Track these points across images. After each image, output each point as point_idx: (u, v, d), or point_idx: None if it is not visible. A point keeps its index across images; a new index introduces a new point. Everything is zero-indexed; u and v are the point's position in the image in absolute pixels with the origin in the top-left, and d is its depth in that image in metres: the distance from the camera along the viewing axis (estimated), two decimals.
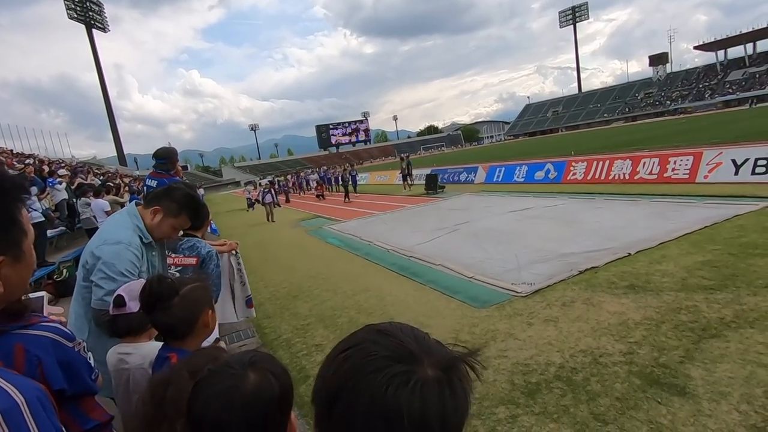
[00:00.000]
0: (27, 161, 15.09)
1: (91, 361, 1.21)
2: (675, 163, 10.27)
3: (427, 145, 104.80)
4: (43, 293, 1.22)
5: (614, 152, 15.07)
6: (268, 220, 14.96)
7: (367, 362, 0.50)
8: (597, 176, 12.10)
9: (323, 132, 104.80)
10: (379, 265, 6.72)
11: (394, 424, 0.47)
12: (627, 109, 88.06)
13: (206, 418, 0.70)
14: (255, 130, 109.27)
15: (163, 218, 1.85)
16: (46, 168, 12.58)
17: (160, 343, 1.34)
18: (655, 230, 6.11)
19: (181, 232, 2.28)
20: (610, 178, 11.67)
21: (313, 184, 24.85)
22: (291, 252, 9.05)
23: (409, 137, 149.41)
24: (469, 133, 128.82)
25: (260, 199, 15.76)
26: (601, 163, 12.23)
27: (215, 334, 2.39)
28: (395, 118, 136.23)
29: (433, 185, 16.16)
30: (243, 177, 67.43)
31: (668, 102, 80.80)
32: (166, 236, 1.91)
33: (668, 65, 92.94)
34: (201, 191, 20.84)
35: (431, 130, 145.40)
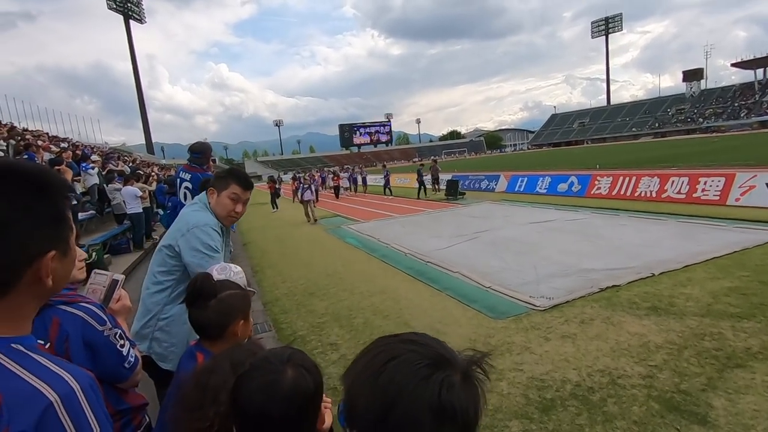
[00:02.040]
0: (62, 144, 15.65)
1: (125, 350, 1.27)
2: (705, 183, 9.99)
3: (449, 150, 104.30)
4: (121, 276, 1.29)
5: (641, 168, 14.75)
6: (308, 220, 13.30)
7: (416, 371, 0.56)
8: (622, 192, 11.85)
9: (346, 131, 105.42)
10: (396, 268, 6.75)
11: (450, 421, 0.54)
12: (657, 125, 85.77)
13: (251, 408, 0.76)
14: (279, 126, 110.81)
15: (219, 195, 2.03)
16: (79, 153, 13.05)
17: None
18: (680, 252, 5.96)
19: None
20: (636, 194, 11.41)
21: (331, 183, 24.57)
22: (309, 248, 9.15)
23: (431, 141, 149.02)
24: (492, 140, 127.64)
25: (298, 195, 14.31)
26: (627, 178, 11.97)
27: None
28: (418, 121, 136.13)
29: (453, 191, 16.09)
30: (265, 171, 68.39)
31: (701, 119, 78.37)
32: (229, 211, 2.04)
33: (703, 81, 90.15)
34: None
35: (454, 135, 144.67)
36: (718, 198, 9.54)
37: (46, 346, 1.09)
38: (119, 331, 1.26)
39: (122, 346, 1.26)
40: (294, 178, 27.45)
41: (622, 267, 5.55)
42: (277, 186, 20.53)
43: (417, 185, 17.93)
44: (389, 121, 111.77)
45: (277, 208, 18.34)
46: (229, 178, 2.03)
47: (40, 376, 0.59)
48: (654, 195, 10.96)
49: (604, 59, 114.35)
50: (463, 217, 11.26)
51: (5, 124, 17.73)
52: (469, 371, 0.58)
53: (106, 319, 1.22)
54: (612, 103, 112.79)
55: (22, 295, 0.64)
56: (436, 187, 18.56)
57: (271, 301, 5.72)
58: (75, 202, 7.13)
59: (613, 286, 4.86)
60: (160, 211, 13.36)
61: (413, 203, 16.10)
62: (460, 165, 42.30)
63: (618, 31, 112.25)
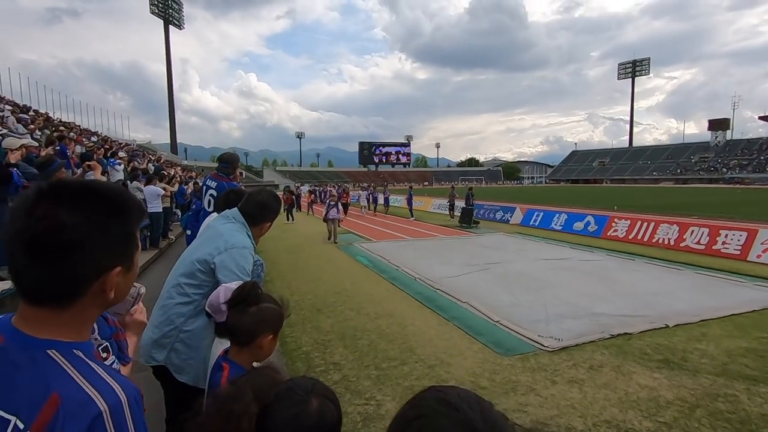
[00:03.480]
0: (93, 138, 16.17)
1: (107, 362, 1.25)
2: (726, 236, 9.79)
3: (466, 176, 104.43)
4: (141, 288, 1.34)
5: (661, 214, 14.54)
6: (329, 239, 12.47)
7: None
8: (639, 237, 11.68)
9: (366, 149, 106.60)
10: (404, 292, 6.73)
11: None
12: (679, 171, 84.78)
13: None
14: (300, 138, 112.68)
15: (262, 227, 2.23)
16: (108, 147, 13.48)
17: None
18: (697, 305, 5.83)
19: None
20: (654, 240, 11.24)
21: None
22: (319, 264, 9.19)
23: (448, 166, 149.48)
24: (510, 170, 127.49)
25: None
26: (645, 223, 11.82)
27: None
28: (438, 146, 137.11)
29: (467, 219, 16.06)
30: (282, 181, 69.32)
31: (725, 169, 77.24)
32: (261, 235, 2.27)
33: (729, 132, 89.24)
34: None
35: (472, 162, 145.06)
36: (738, 252, 9.34)
37: None
38: (105, 343, 1.24)
39: (104, 359, 1.22)
40: (311, 192, 27.68)
41: (636, 314, 5.45)
42: (293, 197, 20.45)
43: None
44: (409, 143, 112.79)
45: (293, 219, 18.37)
46: (271, 214, 2.25)
47: (95, 384, 0.63)
48: (672, 243, 10.77)
49: (628, 101, 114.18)
50: (476, 247, 11.21)
51: (42, 114, 18.44)
52: None
53: (95, 327, 1.20)
54: (634, 144, 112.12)
55: (87, 305, 0.69)
56: (452, 213, 18.52)
57: None
58: None
59: (625, 333, 4.77)
60: (179, 212, 13.63)
61: (426, 227, 16.08)
62: (476, 193, 42.25)
63: (645, 74, 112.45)
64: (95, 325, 1.19)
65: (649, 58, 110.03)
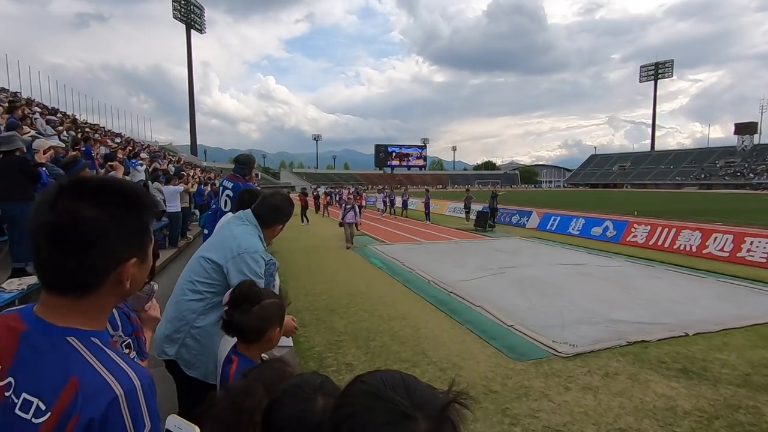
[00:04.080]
0: (117, 140, 16.64)
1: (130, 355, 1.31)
2: (752, 243, 9.48)
3: (483, 180, 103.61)
4: (154, 285, 1.39)
5: (683, 220, 14.16)
6: (347, 245, 11.65)
7: None
8: (660, 243, 11.41)
9: (382, 151, 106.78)
10: (418, 295, 6.72)
11: None
12: (703, 176, 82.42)
13: None
14: (317, 140, 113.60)
15: (274, 228, 2.27)
16: (130, 149, 13.85)
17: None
18: (719, 313, 5.67)
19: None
20: (675, 247, 10.96)
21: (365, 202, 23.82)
22: (334, 265, 9.25)
23: (465, 169, 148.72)
24: (527, 174, 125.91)
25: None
26: (666, 229, 11.54)
27: (288, 341, 2.56)
28: (454, 149, 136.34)
29: (483, 223, 15.94)
30: (299, 183, 69.96)
31: (752, 175, 74.73)
32: (273, 238, 2.33)
33: (756, 136, 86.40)
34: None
35: (488, 165, 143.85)
36: (764, 260, 9.03)
37: None
38: (128, 339, 1.31)
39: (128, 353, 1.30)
40: (326, 193, 27.85)
41: (654, 322, 5.32)
42: (314, 198, 20.41)
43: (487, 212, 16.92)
44: (425, 145, 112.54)
45: (307, 221, 18.45)
46: (283, 217, 2.29)
47: (111, 370, 0.67)
48: (694, 250, 10.49)
49: (650, 104, 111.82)
50: (491, 251, 11.12)
51: (69, 116, 19.07)
52: (443, 416, 0.53)
53: (119, 325, 1.28)
54: (656, 148, 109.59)
55: (105, 294, 0.73)
56: (468, 216, 18.41)
57: (292, 313, 5.74)
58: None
59: (643, 341, 4.67)
60: (197, 212, 13.89)
61: (441, 230, 16.02)
62: (488, 196, 41.81)
63: (668, 77, 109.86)
64: (119, 323, 1.26)
65: (672, 61, 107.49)
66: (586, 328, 5.12)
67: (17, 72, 29.65)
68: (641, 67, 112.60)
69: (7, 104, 10.46)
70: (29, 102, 16.65)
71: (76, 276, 0.69)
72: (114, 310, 1.26)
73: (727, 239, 9.98)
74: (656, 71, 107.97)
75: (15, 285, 4.25)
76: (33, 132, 7.57)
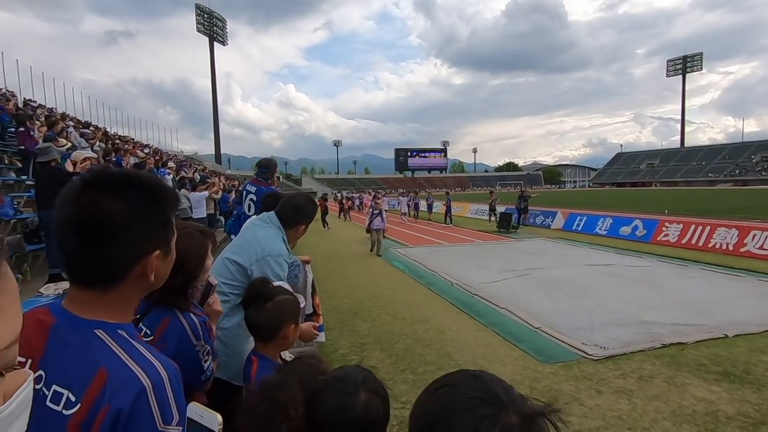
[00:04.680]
0: (145, 150, 17.21)
1: (206, 365, 1.35)
2: None
3: (504, 181, 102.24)
4: (213, 278, 1.42)
5: (718, 217, 13.56)
6: (372, 251, 11.29)
7: (461, 400, 0.57)
8: (694, 242, 10.96)
9: (401, 155, 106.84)
10: (441, 297, 6.65)
11: None
12: (738, 172, 78.96)
13: (324, 427, 0.81)
14: (338, 146, 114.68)
15: (297, 230, 2.24)
16: (158, 158, 14.30)
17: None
18: (760, 314, 5.38)
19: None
20: (710, 246, 10.50)
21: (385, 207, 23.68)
22: (356, 269, 9.27)
23: (486, 171, 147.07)
24: (551, 174, 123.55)
25: (367, 223, 11.59)
26: (700, 227, 11.08)
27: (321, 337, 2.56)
28: (475, 151, 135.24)
29: (506, 224, 15.69)
30: (320, 189, 70.73)
31: None
32: (296, 240, 2.31)
33: None
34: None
35: (510, 166, 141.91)
36: None
37: (149, 339, 1.23)
38: (208, 347, 1.36)
39: (205, 361, 1.35)
40: (348, 198, 28.06)
41: (690, 323, 5.10)
42: (327, 204, 20.49)
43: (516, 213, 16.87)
44: (445, 148, 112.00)
45: (327, 227, 18.56)
46: (306, 218, 2.27)
47: (139, 362, 0.67)
48: (731, 248, 10.02)
49: (679, 99, 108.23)
50: (515, 252, 10.92)
51: (100, 129, 19.85)
52: (530, 421, 0.56)
53: (202, 334, 1.32)
54: (686, 145, 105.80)
55: (129, 287, 0.73)
56: (492, 218, 18.12)
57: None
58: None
59: (679, 343, 4.47)
60: (222, 219, 14.19)
61: (463, 232, 15.85)
62: (515, 197, 41.20)
63: (697, 70, 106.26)
64: (200, 332, 1.30)
65: (701, 54, 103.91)
66: (616, 330, 4.94)
67: (53, 88, 31.12)
68: (668, 61, 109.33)
69: (43, 118, 10.96)
70: (63, 116, 17.42)
71: (101, 268, 0.70)
72: (195, 319, 1.31)
73: (766, 236, 9.50)
74: (684, 65, 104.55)
75: (52, 290, 4.42)
76: (69, 144, 7.91)
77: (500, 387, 0.59)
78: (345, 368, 0.92)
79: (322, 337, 3.61)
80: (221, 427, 0.79)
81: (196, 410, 0.74)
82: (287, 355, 1.51)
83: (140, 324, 1.30)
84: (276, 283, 1.51)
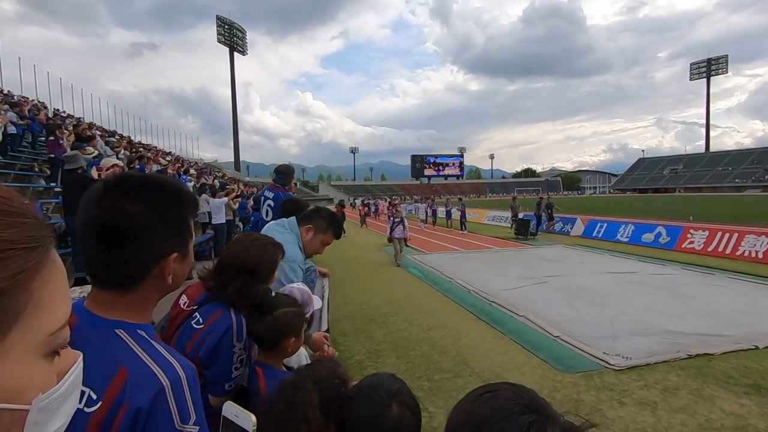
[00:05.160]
0: (167, 157, 17.65)
1: (234, 373, 1.34)
2: None
3: (522, 188, 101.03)
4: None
5: (746, 224, 13.10)
6: (396, 262, 10.58)
7: (510, 404, 0.58)
8: (720, 249, 10.60)
9: (418, 162, 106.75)
10: (457, 304, 6.59)
11: None
12: (767, 177, 76.23)
13: None
14: (354, 153, 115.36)
15: (314, 235, 2.14)
16: (179, 165, 14.64)
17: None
18: None
19: None
20: (738, 253, 10.14)
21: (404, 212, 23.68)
22: (372, 275, 9.27)
23: (503, 177, 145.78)
24: (570, 180, 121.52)
25: (388, 231, 11.25)
26: (727, 234, 10.72)
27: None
28: (491, 157, 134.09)
29: (524, 231, 15.48)
30: (337, 195, 71.15)
31: None
32: (314, 252, 2.19)
33: None
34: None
35: (528, 173, 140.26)
36: None
37: (200, 327, 1.31)
38: (244, 355, 1.35)
39: (237, 368, 1.34)
40: (364, 204, 28.12)
41: (717, 334, 4.92)
42: (344, 210, 20.71)
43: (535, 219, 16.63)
44: (462, 154, 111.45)
45: (344, 232, 18.52)
46: (331, 228, 2.17)
47: (158, 361, 0.69)
48: (761, 256, 9.66)
49: (703, 102, 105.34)
50: (534, 259, 10.75)
51: (125, 137, 20.48)
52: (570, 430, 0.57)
53: (244, 337, 1.34)
54: (711, 150, 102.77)
55: (148, 288, 0.75)
56: (513, 225, 17.87)
57: (332, 321, 5.82)
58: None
59: (705, 354, 4.32)
60: (241, 225, 14.40)
61: (481, 239, 15.69)
62: (533, 204, 40.63)
63: (722, 73, 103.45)
64: (243, 333, 1.34)
65: (726, 56, 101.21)
66: (639, 340, 4.81)
67: (80, 99, 32.33)
68: (691, 64, 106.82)
69: (71, 128, 11.37)
70: (90, 126, 18.03)
71: (121, 269, 0.72)
72: (243, 321, 1.34)
73: None
74: (708, 68, 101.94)
75: (77, 293, 4.55)
76: (96, 152, 8.19)
77: (542, 399, 0.61)
78: (378, 376, 0.91)
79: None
80: (255, 428, 0.80)
81: (232, 410, 0.74)
82: (305, 355, 1.52)
83: (196, 312, 1.35)
84: (287, 288, 1.50)
